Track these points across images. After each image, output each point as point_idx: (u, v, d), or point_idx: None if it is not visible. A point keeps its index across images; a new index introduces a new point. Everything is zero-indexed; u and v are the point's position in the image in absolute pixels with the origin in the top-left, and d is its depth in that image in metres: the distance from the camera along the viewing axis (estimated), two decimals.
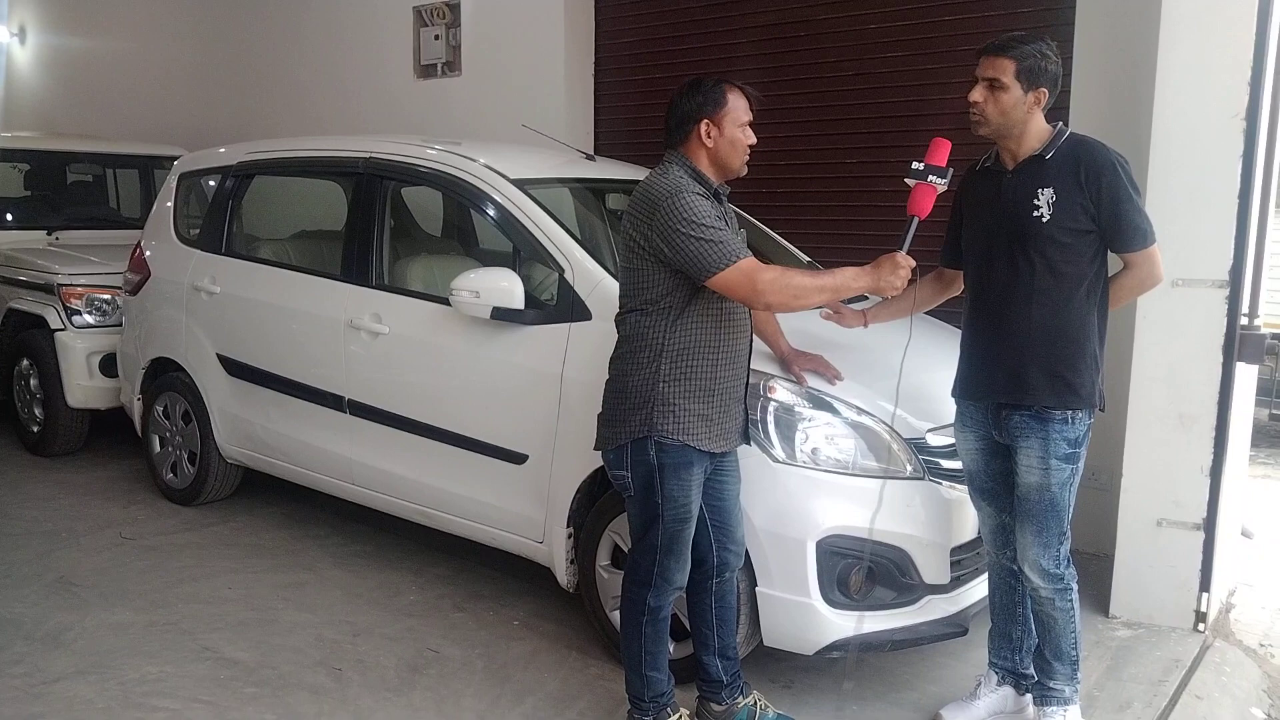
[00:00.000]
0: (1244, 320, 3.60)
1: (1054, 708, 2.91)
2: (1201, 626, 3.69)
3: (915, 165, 2.72)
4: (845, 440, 3.05)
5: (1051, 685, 2.92)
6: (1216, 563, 3.67)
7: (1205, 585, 3.67)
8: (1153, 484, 3.69)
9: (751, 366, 2.87)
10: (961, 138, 2.84)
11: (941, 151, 2.72)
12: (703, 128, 2.67)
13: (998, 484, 2.93)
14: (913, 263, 2.67)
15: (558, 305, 3.49)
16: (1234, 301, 3.52)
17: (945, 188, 2.73)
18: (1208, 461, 3.59)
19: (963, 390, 2.95)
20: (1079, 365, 2.72)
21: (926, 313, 3.31)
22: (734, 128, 2.69)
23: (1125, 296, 2.86)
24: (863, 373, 3.17)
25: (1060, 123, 2.79)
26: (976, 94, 2.72)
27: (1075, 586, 2.85)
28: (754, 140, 2.73)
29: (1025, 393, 2.74)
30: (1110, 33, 4.31)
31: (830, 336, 3.18)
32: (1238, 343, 3.54)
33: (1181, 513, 3.65)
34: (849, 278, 2.65)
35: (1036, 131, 2.74)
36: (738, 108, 2.69)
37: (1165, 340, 3.62)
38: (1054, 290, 2.71)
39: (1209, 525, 3.62)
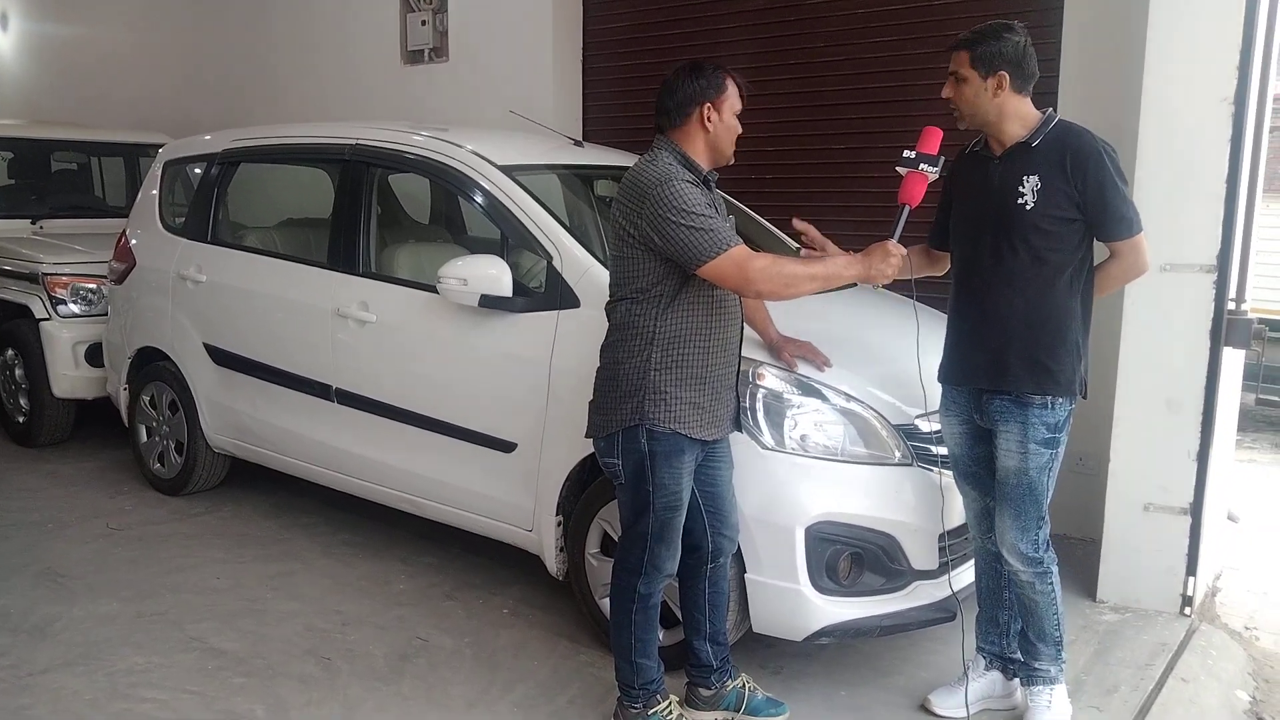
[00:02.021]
0: (1231, 305, 3.61)
1: (1040, 687, 2.94)
2: (1188, 610, 3.71)
3: (907, 154, 2.72)
4: (834, 427, 3.05)
5: (1036, 666, 2.94)
6: (1203, 547, 3.69)
7: (1192, 569, 3.69)
8: (1140, 469, 3.70)
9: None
10: (952, 123, 2.83)
11: (933, 140, 2.72)
12: (704, 111, 2.67)
13: (981, 468, 2.94)
14: (904, 251, 2.68)
15: (546, 292, 3.47)
16: (1221, 286, 3.52)
17: (937, 176, 2.73)
18: (1195, 446, 3.61)
19: (946, 375, 2.96)
20: (1059, 353, 2.73)
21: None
22: (730, 114, 2.71)
23: (1111, 285, 2.87)
24: (851, 359, 3.17)
25: (1050, 109, 2.79)
26: (946, 90, 2.78)
27: (1055, 569, 2.87)
28: (741, 130, 2.76)
29: (1005, 379, 2.76)
30: (1098, 17, 4.30)
31: (817, 324, 3.17)
32: (1225, 327, 3.55)
33: (1168, 497, 3.67)
34: (840, 266, 2.66)
35: (1018, 116, 2.74)
36: (733, 95, 2.72)
37: (1153, 325, 3.63)
38: (1037, 277, 2.71)
39: (1196, 510, 3.64)
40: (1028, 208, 2.69)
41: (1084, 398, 2.80)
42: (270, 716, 3.00)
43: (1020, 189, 2.70)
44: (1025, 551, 2.81)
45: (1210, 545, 3.86)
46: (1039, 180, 2.68)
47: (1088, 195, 2.66)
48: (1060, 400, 2.75)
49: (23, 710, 3.00)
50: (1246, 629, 3.82)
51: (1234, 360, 3.89)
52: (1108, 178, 2.65)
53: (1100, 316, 2.83)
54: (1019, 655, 3.03)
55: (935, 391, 3.01)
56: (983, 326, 2.80)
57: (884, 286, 2.77)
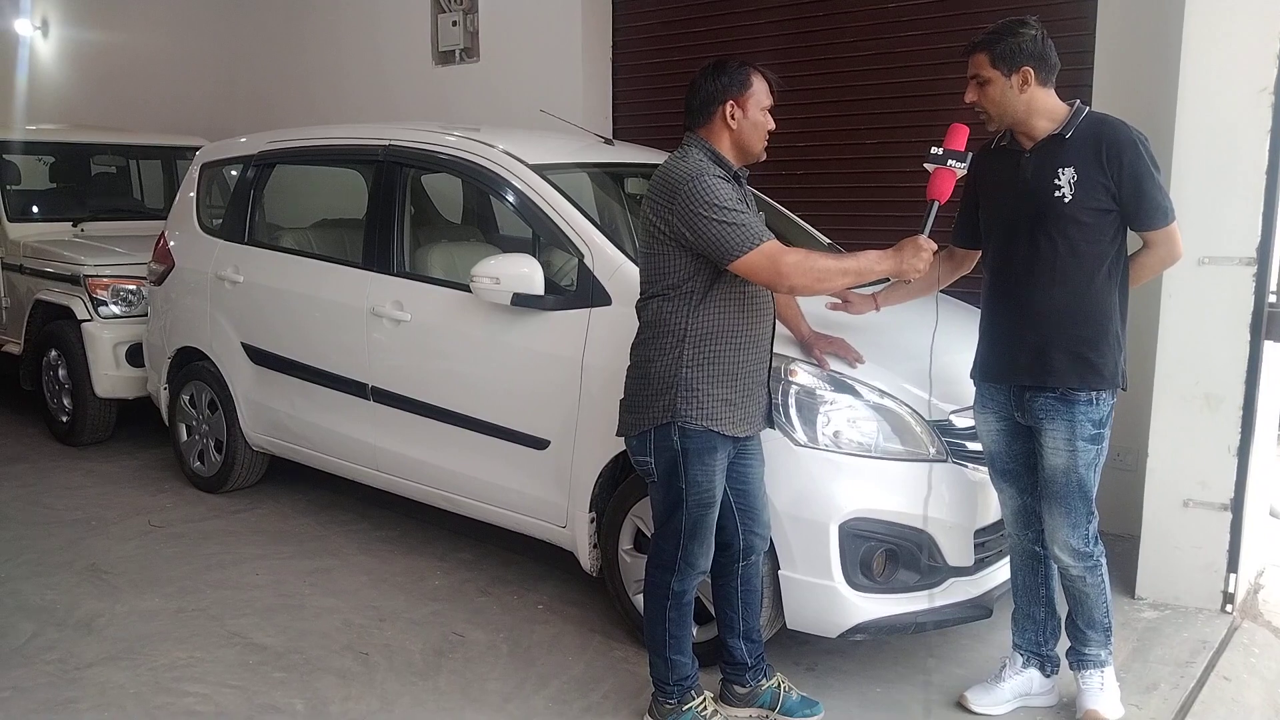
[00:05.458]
0: (1272, 298, 3.55)
1: (1091, 671, 2.93)
2: (1229, 608, 3.66)
3: (934, 150, 2.72)
4: (867, 423, 3.04)
5: (1086, 651, 2.93)
6: (1244, 543, 3.64)
7: (1233, 566, 3.64)
8: (1179, 464, 3.66)
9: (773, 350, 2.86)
10: (978, 118, 2.81)
11: (960, 136, 2.72)
12: (727, 109, 2.67)
13: (1019, 465, 2.92)
14: (934, 246, 2.67)
15: (578, 290, 3.49)
16: (1262, 279, 3.47)
17: (964, 172, 2.74)
18: (1235, 441, 3.56)
19: (983, 372, 2.94)
20: (1102, 346, 2.71)
21: (945, 292, 3.28)
22: (757, 110, 2.69)
23: (1145, 275, 2.85)
24: (884, 355, 3.16)
25: (1078, 100, 2.77)
26: (970, 94, 2.76)
27: (1104, 561, 2.86)
28: (773, 126, 2.74)
29: (1049, 374, 2.73)
30: (1134, 8, 4.24)
31: (849, 319, 3.17)
32: (1265, 321, 3.50)
33: (1208, 493, 3.62)
34: (872, 260, 2.65)
35: (1047, 110, 2.72)
36: (760, 91, 2.70)
37: (1191, 319, 3.58)
38: (1076, 270, 2.69)
39: (1236, 505, 3.59)
40: (1066, 200, 2.66)
41: (1124, 390, 2.78)
42: (310, 711, 3.05)
43: (1056, 181, 2.67)
44: (1077, 547, 2.80)
45: (1252, 542, 3.80)
46: (1075, 172, 2.66)
47: (1124, 185, 2.64)
48: (1104, 394, 2.73)
49: (70, 703, 3.06)
50: None
51: (1275, 354, 3.83)
52: (1144, 167, 2.63)
53: (1138, 310, 2.80)
54: (1057, 653, 3.02)
55: (946, 384, 2.99)
56: (1023, 322, 2.77)
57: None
